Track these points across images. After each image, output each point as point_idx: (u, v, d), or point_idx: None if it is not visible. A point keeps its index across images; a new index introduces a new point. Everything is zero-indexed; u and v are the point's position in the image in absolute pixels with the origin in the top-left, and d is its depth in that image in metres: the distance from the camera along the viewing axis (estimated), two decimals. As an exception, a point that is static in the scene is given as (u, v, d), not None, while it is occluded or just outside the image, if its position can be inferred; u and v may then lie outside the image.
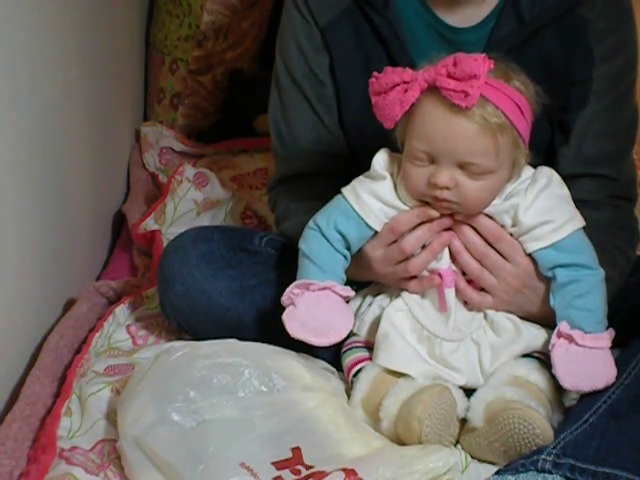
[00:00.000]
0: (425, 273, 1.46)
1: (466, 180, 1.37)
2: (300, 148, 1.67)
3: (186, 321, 1.61)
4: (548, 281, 1.44)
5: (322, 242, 1.46)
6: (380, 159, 1.45)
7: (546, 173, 1.43)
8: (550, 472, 1.32)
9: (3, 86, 1.51)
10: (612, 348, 1.45)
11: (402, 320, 1.47)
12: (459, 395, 1.44)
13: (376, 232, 1.46)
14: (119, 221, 2.17)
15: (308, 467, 1.34)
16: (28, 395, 1.51)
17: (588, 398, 1.41)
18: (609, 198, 1.60)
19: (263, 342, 1.52)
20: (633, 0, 1.63)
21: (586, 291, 1.41)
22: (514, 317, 1.47)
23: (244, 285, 1.58)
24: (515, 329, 1.46)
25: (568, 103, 1.57)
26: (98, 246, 2.07)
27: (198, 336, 1.60)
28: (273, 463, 1.33)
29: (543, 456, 1.33)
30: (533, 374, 1.45)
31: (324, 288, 1.44)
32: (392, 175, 1.44)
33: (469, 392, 1.46)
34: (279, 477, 1.32)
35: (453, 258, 1.45)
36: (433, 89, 1.35)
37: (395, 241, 1.46)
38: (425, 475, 1.31)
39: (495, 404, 1.40)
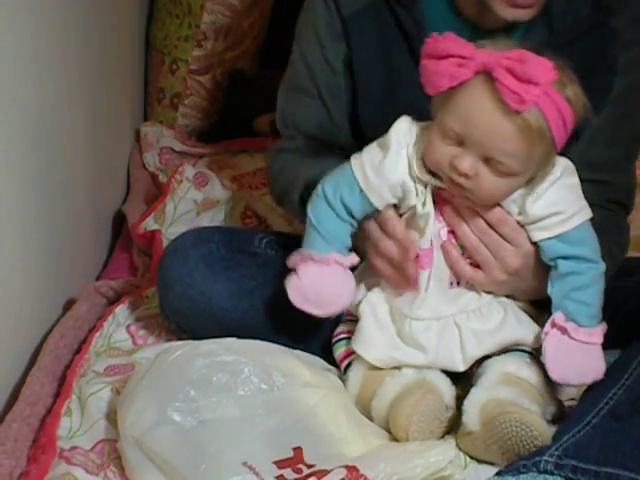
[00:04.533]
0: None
1: (487, 173, 1.35)
2: (300, 132, 1.67)
3: (186, 323, 1.61)
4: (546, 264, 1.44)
5: (328, 211, 1.46)
6: (399, 127, 1.42)
7: (561, 164, 1.40)
8: (552, 473, 1.32)
9: (6, 87, 1.51)
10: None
11: (379, 302, 1.47)
12: (445, 384, 1.45)
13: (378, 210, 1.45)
14: (119, 221, 2.17)
15: (309, 466, 1.34)
16: (28, 395, 1.51)
17: (589, 400, 1.42)
18: (605, 202, 1.59)
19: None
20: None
21: (585, 284, 1.41)
22: (509, 309, 1.47)
23: (243, 287, 1.58)
24: (502, 320, 1.46)
25: None
26: (98, 246, 2.07)
27: (198, 338, 1.59)
28: (275, 462, 1.33)
29: (545, 457, 1.33)
30: (524, 370, 1.44)
31: (327, 260, 1.44)
32: (407, 146, 1.42)
33: (459, 377, 1.46)
34: (281, 476, 1.32)
35: (451, 231, 1.44)
36: (487, 74, 1.31)
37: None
38: (426, 470, 1.31)
39: (490, 406, 1.39)
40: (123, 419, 1.38)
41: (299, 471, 1.33)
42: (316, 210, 1.46)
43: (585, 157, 1.54)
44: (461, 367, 1.45)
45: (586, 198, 1.49)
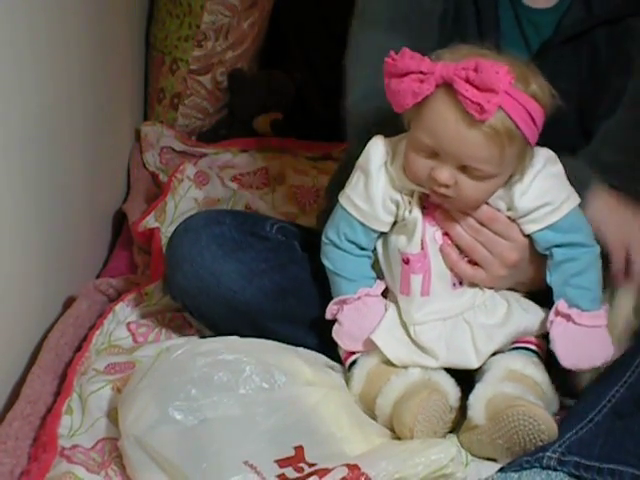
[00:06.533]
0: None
1: (466, 180, 1.36)
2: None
3: (193, 302, 1.61)
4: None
5: (340, 254, 1.49)
6: (374, 148, 1.44)
7: (543, 155, 1.41)
8: (555, 469, 1.32)
9: (6, 87, 1.51)
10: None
11: (392, 306, 1.49)
12: (450, 384, 1.45)
13: (383, 233, 1.47)
14: (119, 220, 2.17)
15: (311, 465, 1.33)
16: (29, 393, 1.51)
17: (591, 397, 1.42)
18: None
19: (269, 326, 1.55)
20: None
21: (583, 269, 1.42)
22: (511, 299, 1.47)
23: (253, 269, 1.58)
24: (508, 311, 1.46)
25: (600, 109, 1.57)
26: (98, 245, 2.07)
27: (204, 319, 1.62)
28: (276, 461, 1.33)
29: (548, 453, 1.33)
30: (529, 367, 1.45)
31: (358, 298, 1.48)
32: (386, 164, 1.44)
33: (463, 379, 1.46)
34: (282, 475, 1.31)
35: (446, 233, 1.45)
36: (449, 85, 1.32)
37: None
38: (427, 468, 1.31)
39: (496, 401, 1.40)
40: (124, 417, 1.38)
41: (300, 470, 1.33)
42: (330, 258, 1.51)
43: (597, 157, 1.55)
44: (475, 364, 1.45)
45: None
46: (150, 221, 2.05)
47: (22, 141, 1.59)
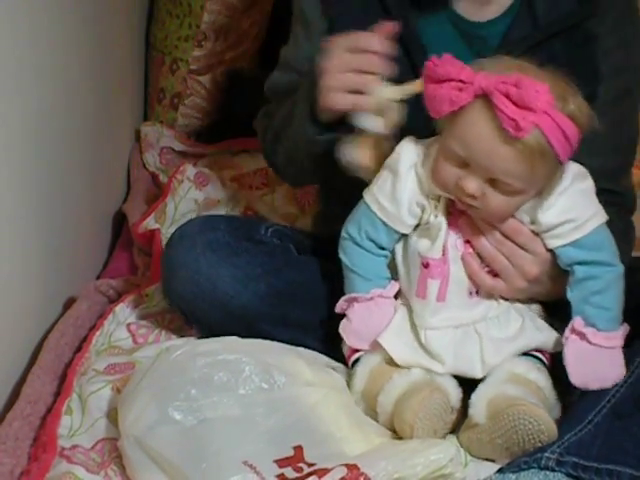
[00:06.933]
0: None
1: (493, 193, 1.35)
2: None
3: (189, 308, 1.61)
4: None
5: (359, 251, 1.48)
6: (405, 148, 1.43)
7: (572, 170, 1.39)
8: (553, 470, 1.32)
9: (6, 87, 1.51)
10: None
11: (401, 308, 1.49)
12: (452, 385, 1.45)
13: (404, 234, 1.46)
14: (119, 221, 2.17)
15: (310, 465, 1.33)
16: (29, 394, 1.51)
17: (591, 397, 1.41)
18: (610, 207, 1.58)
19: (265, 330, 1.55)
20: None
21: (604, 288, 1.40)
22: (526, 317, 1.47)
23: (248, 273, 1.58)
24: (521, 328, 1.46)
25: None
26: (98, 245, 2.07)
27: (201, 323, 1.62)
28: (275, 461, 1.33)
29: (546, 454, 1.33)
30: (532, 372, 1.45)
31: (371, 298, 1.47)
32: (415, 165, 1.42)
33: (465, 382, 1.46)
34: (282, 475, 1.31)
35: (468, 241, 1.44)
36: (487, 97, 1.30)
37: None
38: (426, 468, 1.31)
39: (497, 401, 1.40)
40: (124, 418, 1.38)
41: (300, 470, 1.33)
42: (348, 253, 1.49)
43: (586, 167, 1.54)
44: (480, 375, 1.45)
45: None
46: (150, 222, 2.05)
47: (22, 141, 1.59)
